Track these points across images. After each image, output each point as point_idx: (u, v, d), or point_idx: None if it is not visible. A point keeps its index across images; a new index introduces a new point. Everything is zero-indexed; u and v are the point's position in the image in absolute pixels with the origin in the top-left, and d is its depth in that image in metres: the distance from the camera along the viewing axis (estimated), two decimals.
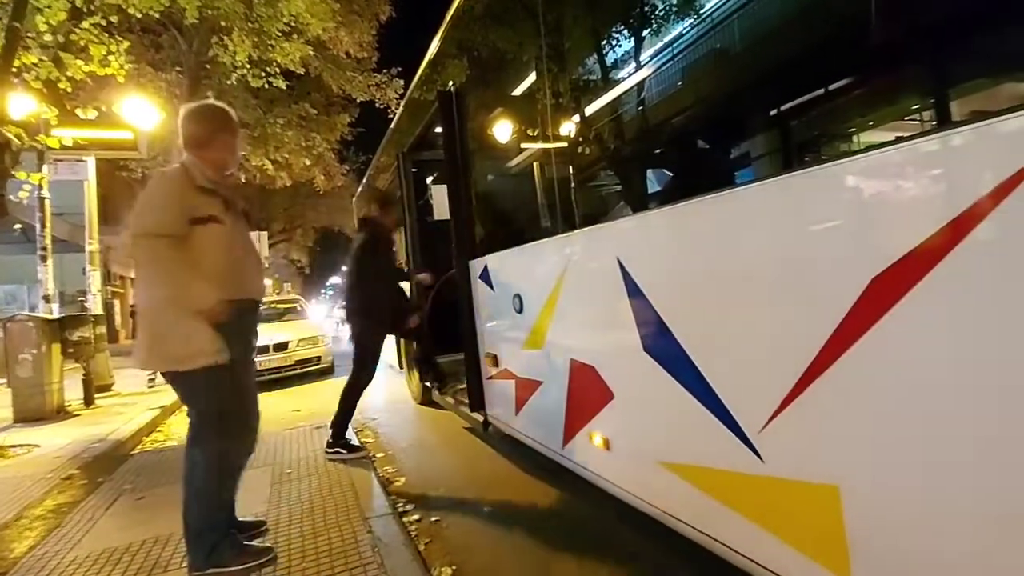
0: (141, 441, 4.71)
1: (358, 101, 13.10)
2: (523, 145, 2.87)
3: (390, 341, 6.05)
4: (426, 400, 5.13)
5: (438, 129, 3.87)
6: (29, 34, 5.19)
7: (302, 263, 32.31)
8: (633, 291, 1.82)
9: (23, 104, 5.26)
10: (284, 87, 9.99)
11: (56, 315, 6.11)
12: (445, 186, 3.51)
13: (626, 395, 1.98)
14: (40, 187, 6.19)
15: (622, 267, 1.86)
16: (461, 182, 3.39)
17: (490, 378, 3.22)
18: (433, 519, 2.70)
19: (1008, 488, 0.93)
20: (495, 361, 3.10)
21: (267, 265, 16.76)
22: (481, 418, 3.39)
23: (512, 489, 2.99)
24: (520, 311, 2.70)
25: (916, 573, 1.08)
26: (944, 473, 1.01)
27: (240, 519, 2.40)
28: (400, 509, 2.82)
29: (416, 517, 2.73)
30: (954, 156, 0.97)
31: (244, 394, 2.25)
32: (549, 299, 2.43)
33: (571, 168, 2.36)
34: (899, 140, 1.06)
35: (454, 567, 2.21)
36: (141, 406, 5.75)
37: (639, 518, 2.00)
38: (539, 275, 2.56)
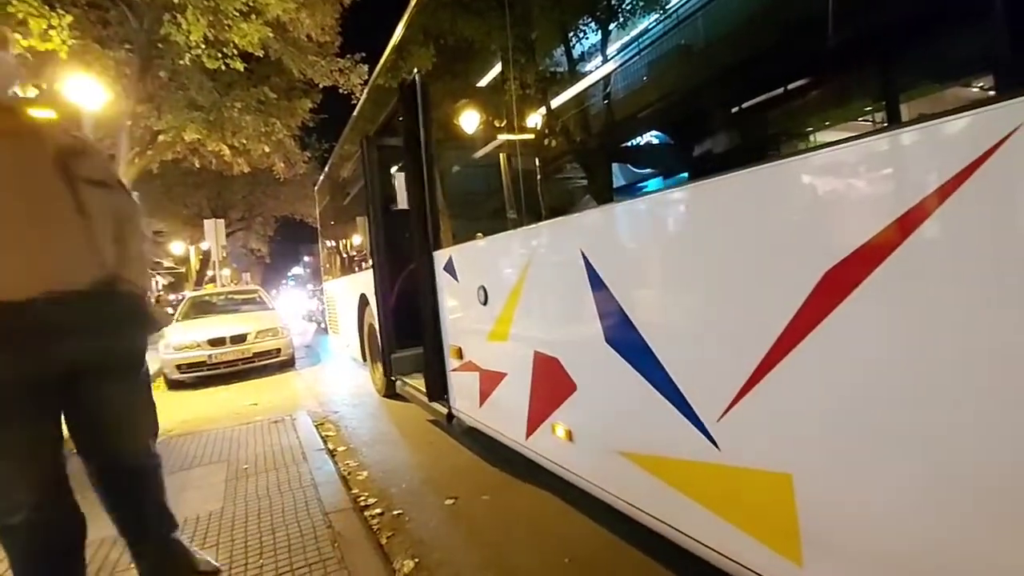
0: None
1: (320, 87, 12.72)
2: (487, 135, 2.85)
3: (354, 334, 5.94)
4: (390, 393, 5.06)
5: (402, 117, 3.80)
6: None
7: (262, 252, 31.38)
8: (596, 283, 1.84)
9: None
10: (242, 70, 9.60)
11: None
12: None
13: (588, 387, 2.00)
14: None
15: (585, 259, 1.87)
16: (424, 172, 3.34)
17: (455, 370, 3.20)
18: (395, 513, 2.68)
19: (957, 476, 0.97)
20: (459, 353, 3.09)
21: (224, 255, 16.11)
22: (445, 411, 3.37)
23: (476, 482, 2.99)
24: (485, 303, 2.69)
25: (864, 557, 1.13)
26: (893, 462, 1.06)
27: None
28: (362, 503, 2.79)
29: (378, 511, 2.70)
30: (902, 155, 1.01)
31: None
32: (513, 291, 2.42)
33: (536, 160, 2.35)
34: (852, 138, 1.09)
35: (416, 560, 2.19)
36: None
37: (601, 508, 2.03)
38: (504, 267, 2.55)
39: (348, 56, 12.37)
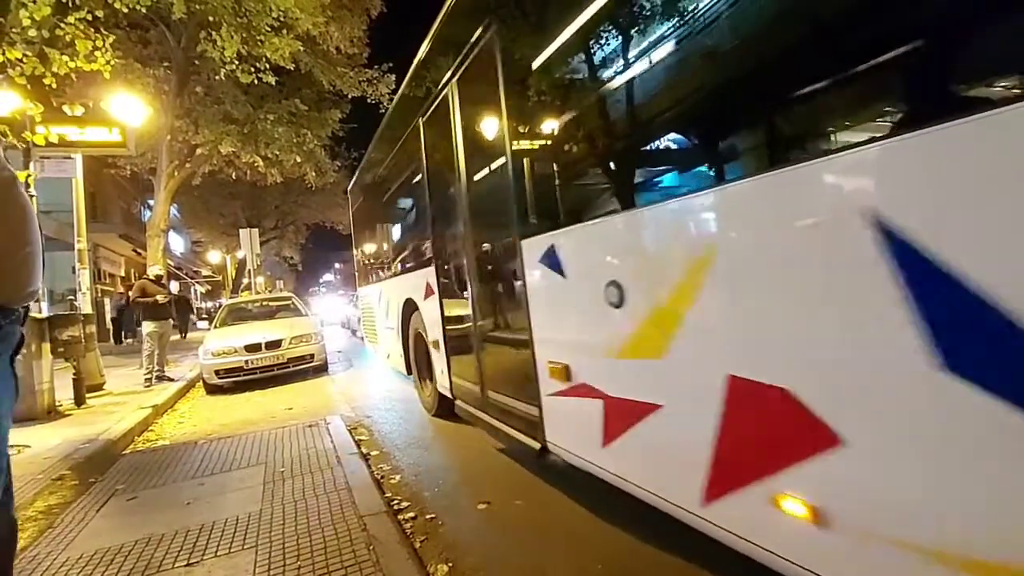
0: (133, 441, 4.67)
1: (349, 97, 13.02)
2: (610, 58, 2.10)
3: (395, 343, 5.51)
4: (442, 412, 4.49)
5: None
6: (13, 29, 5.11)
7: (294, 260, 32.20)
8: (908, 260, 1.06)
9: (8, 100, 5.19)
10: (274, 83, 9.91)
11: (45, 314, 6.04)
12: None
13: (872, 439, 1.20)
14: (27, 185, 6.12)
15: (880, 224, 1.10)
16: (506, 138, 2.63)
17: (554, 395, 2.45)
18: (428, 517, 2.69)
19: None
20: (565, 373, 2.33)
21: (259, 263, 16.53)
22: (538, 445, 2.63)
23: (509, 486, 2.99)
24: (619, 305, 1.96)
25: None
26: None
27: None
28: (395, 507, 2.81)
29: (411, 515, 2.72)
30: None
31: None
32: (681, 287, 1.68)
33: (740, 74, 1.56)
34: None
35: (450, 564, 2.20)
36: (133, 405, 5.70)
37: (637, 516, 1.98)
38: (659, 254, 1.85)
39: (376, 67, 12.63)
